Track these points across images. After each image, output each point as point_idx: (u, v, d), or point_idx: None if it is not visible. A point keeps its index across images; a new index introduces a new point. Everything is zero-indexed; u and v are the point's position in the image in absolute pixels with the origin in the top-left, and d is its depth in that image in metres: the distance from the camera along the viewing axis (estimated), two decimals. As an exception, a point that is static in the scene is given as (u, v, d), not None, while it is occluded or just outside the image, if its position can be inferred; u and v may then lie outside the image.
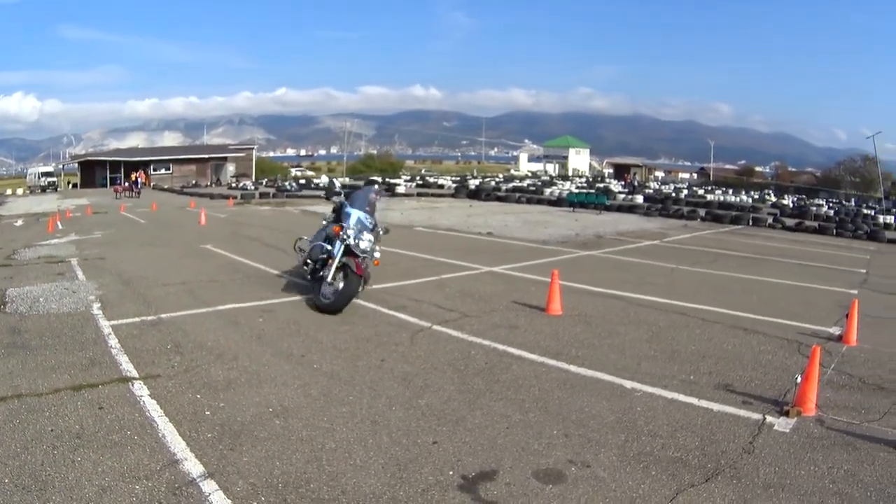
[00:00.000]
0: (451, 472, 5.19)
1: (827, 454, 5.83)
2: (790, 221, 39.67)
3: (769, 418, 6.59)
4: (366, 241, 10.40)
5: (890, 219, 50.52)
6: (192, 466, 5.07)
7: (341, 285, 10.14)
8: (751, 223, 37.59)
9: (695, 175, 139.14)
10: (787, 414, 6.68)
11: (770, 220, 39.29)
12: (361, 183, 59.81)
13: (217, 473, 4.98)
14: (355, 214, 10.66)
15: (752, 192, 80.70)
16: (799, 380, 6.86)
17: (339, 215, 11.01)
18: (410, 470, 5.21)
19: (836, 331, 10.34)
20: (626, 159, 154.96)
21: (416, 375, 7.50)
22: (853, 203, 73.50)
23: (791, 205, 60.35)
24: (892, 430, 6.40)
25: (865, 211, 58.12)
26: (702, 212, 40.57)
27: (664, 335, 9.67)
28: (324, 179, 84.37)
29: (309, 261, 10.77)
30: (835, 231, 35.70)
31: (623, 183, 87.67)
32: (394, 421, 6.16)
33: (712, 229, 32.58)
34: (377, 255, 10.72)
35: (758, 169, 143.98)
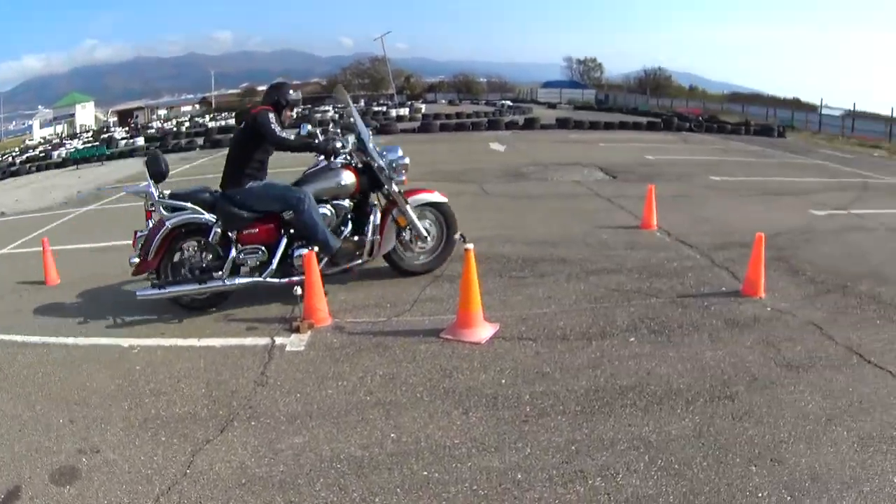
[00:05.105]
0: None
1: (355, 363, 5.53)
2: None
3: (279, 340, 6.12)
4: None
5: (403, 111, 54.16)
6: None
7: None
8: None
9: (197, 106, 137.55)
10: (297, 330, 6.22)
11: (267, 134, 39.67)
12: None
13: None
14: None
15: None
16: (300, 291, 6.36)
17: None
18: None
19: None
20: (130, 104, 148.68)
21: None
22: (363, 103, 77.26)
23: (295, 116, 61.17)
24: (428, 318, 6.34)
25: (377, 108, 61.25)
26: (200, 141, 40.18)
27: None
28: None
29: None
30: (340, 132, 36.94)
31: (127, 129, 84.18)
32: None
33: (209, 157, 31.68)
34: None
35: (260, 88, 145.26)
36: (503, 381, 5.06)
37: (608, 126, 35.43)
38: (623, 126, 35.80)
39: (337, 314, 6.58)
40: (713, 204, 12.65)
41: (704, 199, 13.16)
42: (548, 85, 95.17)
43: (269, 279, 7.00)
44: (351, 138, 7.57)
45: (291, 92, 7.41)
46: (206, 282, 6.88)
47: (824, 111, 45.10)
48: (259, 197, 7.02)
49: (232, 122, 62.18)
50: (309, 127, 7.81)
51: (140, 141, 49.09)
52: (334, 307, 6.69)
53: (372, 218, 7.37)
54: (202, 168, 25.14)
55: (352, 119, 7.86)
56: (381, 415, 4.65)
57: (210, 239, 6.93)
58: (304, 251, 6.62)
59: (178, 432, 4.65)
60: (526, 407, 4.66)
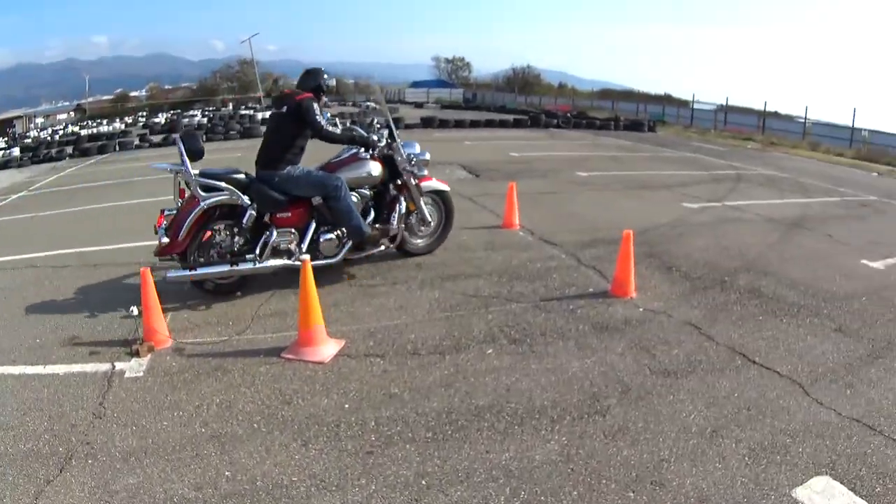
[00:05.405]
0: None
1: (192, 390, 5.00)
2: (158, 138, 39.62)
3: (119, 365, 5.49)
4: None
5: (267, 114, 53.37)
6: None
7: None
8: (118, 149, 36.92)
9: (72, 114, 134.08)
10: (137, 354, 5.62)
11: (137, 142, 39.02)
12: None
13: None
14: None
15: (127, 118, 79.68)
16: (136, 311, 5.87)
17: None
18: None
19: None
20: (11, 113, 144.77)
21: None
22: (231, 107, 75.54)
23: (164, 122, 60.47)
24: (271, 336, 5.90)
25: (243, 112, 60.12)
26: (69, 149, 38.87)
27: (15, 299, 7.85)
28: None
29: None
30: (205, 137, 36.29)
31: (6, 139, 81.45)
32: None
33: (78, 166, 29.95)
34: None
35: (133, 94, 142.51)
36: (347, 405, 4.60)
37: (474, 124, 35.69)
38: (489, 124, 36.29)
39: (178, 334, 6.03)
40: (580, 200, 12.52)
41: (571, 196, 13.04)
42: (416, 85, 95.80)
43: (297, 262, 6.87)
44: (385, 132, 7.91)
45: (326, 76, 7.55)
46: (238, 264, 6.80)
47: (696, 106, 46.42)
48: (298, 182, 7.08)
49: (104, 128, 60.53)
50: (329, 114, 8.05)
51: (16, 151, 47.59)
52: (176, 325, 6.18)
53: (398, 208, 7.73)
54: (67, 178, 23.95)
55: (380, 111, 8.47)
56: (216, 450, 4.18)
57: (244, 221, 6.87)
58: (331, 235, 7.13)
59: (23, 472, 4.17)
60: (371, 435, 4.21)
